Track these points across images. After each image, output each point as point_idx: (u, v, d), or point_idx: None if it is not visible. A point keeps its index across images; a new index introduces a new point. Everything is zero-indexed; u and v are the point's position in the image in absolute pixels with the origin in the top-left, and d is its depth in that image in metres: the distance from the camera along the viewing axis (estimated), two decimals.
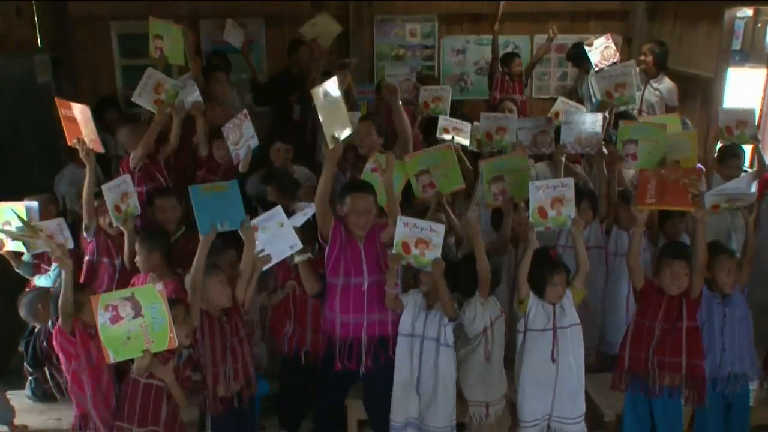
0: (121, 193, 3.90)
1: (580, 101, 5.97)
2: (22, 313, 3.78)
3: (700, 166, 4.38)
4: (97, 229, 4.09)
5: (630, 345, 3.58)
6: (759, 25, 7.50)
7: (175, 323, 3.04)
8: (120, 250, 4.03)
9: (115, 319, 2.99)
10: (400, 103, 4.50)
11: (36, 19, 6.23)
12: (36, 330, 3.87)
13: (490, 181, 4.06)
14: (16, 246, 3.76)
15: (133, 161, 4.33)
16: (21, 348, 4.00)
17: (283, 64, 6.45)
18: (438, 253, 3.39)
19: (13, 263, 3.99)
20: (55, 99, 4.16)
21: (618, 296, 4.24)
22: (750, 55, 7.52)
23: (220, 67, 5.47)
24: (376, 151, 4.33)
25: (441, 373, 3.53)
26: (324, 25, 6.03)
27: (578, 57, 6.15)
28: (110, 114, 5.48)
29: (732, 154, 4.58)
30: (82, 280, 4.05)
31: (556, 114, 5.10)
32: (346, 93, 5.17)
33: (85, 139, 4.04)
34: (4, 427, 3.70)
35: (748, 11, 7.27)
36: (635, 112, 5.60)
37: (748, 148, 4.91)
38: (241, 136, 4.36)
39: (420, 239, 3.39)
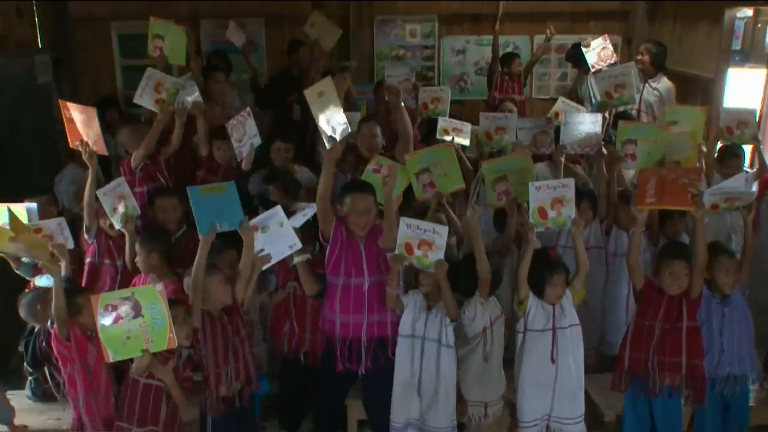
0: (118, 196, 3.91)
1: (580, 102, 5.97)
2: (22, 313, 3.79)
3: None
4: (98, 230, 4.10)
5: (630, 345, 3.58)
6: (759, 25, 7.50)
7: (175, 324, 3.05)
8: (121, 251, 4.03)
9: (115, 318, 3.00)
10: (402, 104, 4.49)
11: (36, 19, 6.24)
12: (36, 330, 3.87)
13: (493, 181, 4.06)
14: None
15: (135, 161, 4.33)
16: (21, 348, 4.00)
17: (283, 64, 6.46)
18: (441, 255, 3.40)
19: (12, 264, 3.99)
20: (59, 101, 4.16)
21: (618, 296, 4.24)
22: (750, 56, 7.51)
23: (219, 68, 5.47)
24: (378, 152, 4.34)
25: (442, 373, 3.54)
26: (324, 27, 6.04)
27: (577, 57, 6.14)
28: (110, 114, 5.49)
29: (732, 154, 4.58)
30: (84, 282, 4.07)
31: (556, 114, 5.09)
32: (346, 94, 5.17)
33: (89, 141, 4.05)
34: (4, 427, 3.70)
35: (748, 11, 7.26)
36: (633, 112, 5.60)
37: (747, 149, 4.90)
38: (245, 134, 4.36)
39: (423, 241, 3.39)
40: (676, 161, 4.16)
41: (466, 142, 4.88)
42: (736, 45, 7.20)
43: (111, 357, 3.03)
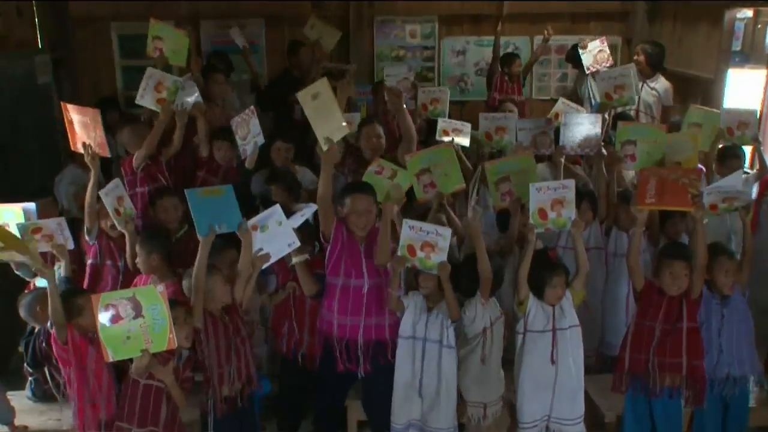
0: (117, 197, 3.91)
1: (580, 102, 5.98)
2: (22, 314, 3.78)
3: (700, 166, 4.38)
4: (99, 231, 4.10)
5: (630, 346, 3.58)
6: (759, 26, 7.49)
7: (175, 324, 3.05)
8: (122, 252, 4.04)
9: (116, 318, 3.01)
10: (405, 105, 4.49)
11: (36, 19, 6.24)
12: (36, 330, 3.87)
13: (496, 182, 4.05)
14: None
15: (137, 161, 4.33)
16: (21, 348, 4.00)
17: (284, 65, 6.45)
18: (444, 257, 3.40)
19: (12, 265, 3.99)
20: (61, 104, 4.16)
21: (618, 297, 4.23)
22: (750, 56, 7.50)
23: (219, 69, 5.47)
24: (381, 152, 4.33)
25: (444, 374, 3.53)
26: (324, 29, 6.04)
27: (578, 58, 6.14)
28: (110, 115, 5.46)
29: (732, 155, 4.58)
30: (86, 283, 4.08)
31: (557, 115, 5.10)
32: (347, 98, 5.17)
33: (92, 143, 4.05)
34: (5, 428, 3.70)
35: (748, 12, 7.25)
36: (632, 113, 5.60)
37: (747, 149, 4.90)
38: (249, 132, 4.37)
39: (426, 242, 3.39)
40: (677, 162, 4.16)
41: (466, 142, 4.88)
42: (736, 46, 7.19)
43: (111, 356, 3.03)
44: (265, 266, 3.52)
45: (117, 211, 3.90)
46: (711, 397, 3.61)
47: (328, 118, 3.44)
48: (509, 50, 6.85)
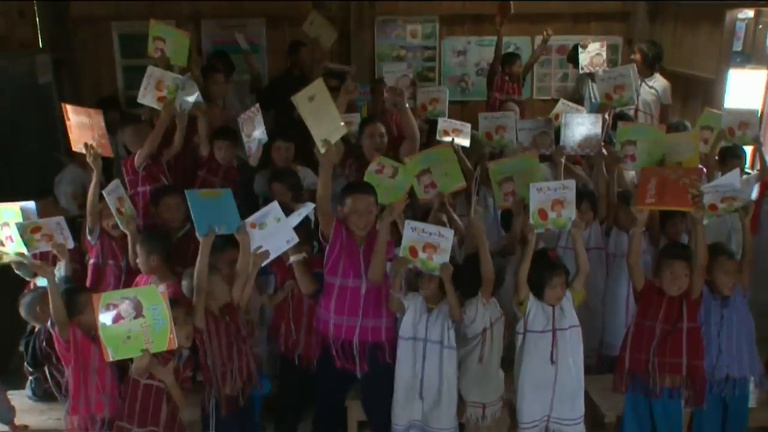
0: (117, 197, 3.92)
1: (581, 102, 5.98)
2: (22, 313, 3.79)
3: (700, 167, 4.38)
4: (101, 231, 4.10)
5: (630, 346, 3.58)
6: (760, 26, 7.47)
7: (176, 324, 3.06)
8: (124, 252, 4.05)
9: (116, 318, 3.01)
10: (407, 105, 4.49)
11: (37, 19, 6.24)
12: (36, 330, 3.88)
13: (500, 182, 4.05)
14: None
15: (138, 160, 4.34)
16: (21, 348, 4.00)
17: (284, 64, 6.46)
18: (446, 258, 3.39)
19: (12, 265, 3.99)
20: (62, 105, 4.17)
21: (618, 297, 4.23)
22: (751, 57, 7.49)
23: (219, 69, 5.47)
24: (382, 152, 4.33)
25: (445, 375, 3.53)
26: (322, 26, 6.04)
27: (578, 58, 6.15)
28: (111, 115, 5.44)
29: (733, 155, 4.58)
30: (88, 283, 4.08)
31: (557, 115, 5.10)
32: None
33: (94, 144, 4.06)
34: (5, 427, 3.70)
35: (749, 13, 7.24)
36: (631, 112, 5.60)
37: (748, 149, 4.90)
38: (254, 129, 4.37)
39: (428, 244, 3.39)
40: (678, 162, 4.16)
41: (466, 142, 4.87)
42: (737, 46, 7.17)
43: (111, 356, 3.04)
44: (264, 263, 3.53)
45: (119, 211, 3.91)
46: (711, 398, 3.60)
47: (325, 120, 3.44)
48: (510, 50, 6.85)
